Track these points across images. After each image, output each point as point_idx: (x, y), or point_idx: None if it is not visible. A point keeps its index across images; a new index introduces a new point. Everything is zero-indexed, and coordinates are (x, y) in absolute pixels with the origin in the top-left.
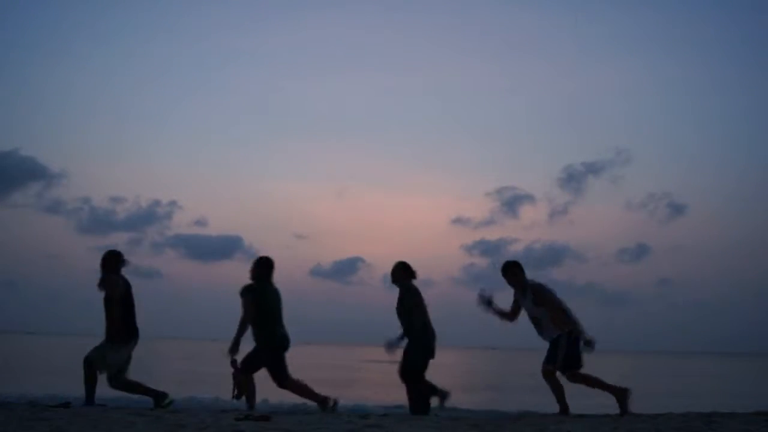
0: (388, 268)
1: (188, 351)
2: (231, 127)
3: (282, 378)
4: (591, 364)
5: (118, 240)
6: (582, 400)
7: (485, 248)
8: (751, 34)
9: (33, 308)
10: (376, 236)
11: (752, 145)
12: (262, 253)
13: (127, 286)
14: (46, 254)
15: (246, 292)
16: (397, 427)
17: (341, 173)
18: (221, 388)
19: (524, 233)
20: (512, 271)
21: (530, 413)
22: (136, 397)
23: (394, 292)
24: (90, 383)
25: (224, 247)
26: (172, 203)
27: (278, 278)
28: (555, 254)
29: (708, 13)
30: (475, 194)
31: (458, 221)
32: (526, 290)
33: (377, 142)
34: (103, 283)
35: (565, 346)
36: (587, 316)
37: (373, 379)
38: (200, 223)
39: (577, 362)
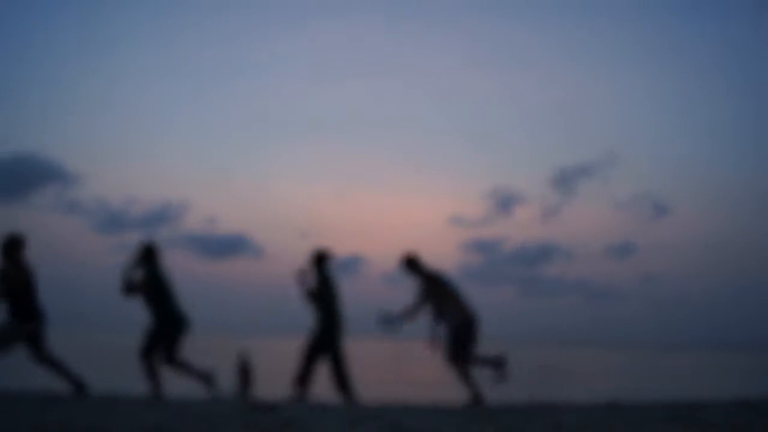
0: (388, 265)
1: (195, 346)
2: (238, 130)
3: (173, 357)
4: (585, 357)
5: (132, 239)
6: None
7: (481, 246)
8: (736, 41)
9: (48, 304)
10: (376, 234)
11: (736, 148)
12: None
13: (29, 270)
14: (64, 253)
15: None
16: (402, 419)
17: (343, 174)
18: (221, 382)
19: (518, 232)
20: (410, 264)
21: (541, 403)
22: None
23: (393, 289)
24: (57, 371)
25: (232, 245)
26: (184, 203)
27: (283, 275)
28: (547, 252)
29: (693, 22)
30: (471, 194)
31: (455, 220)
32: (422, 280)
33: (378, 145)
34: (6, 274)
35: (460, 334)
36: (577, 311)
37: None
38: (210, 222)
39: (464, 350)
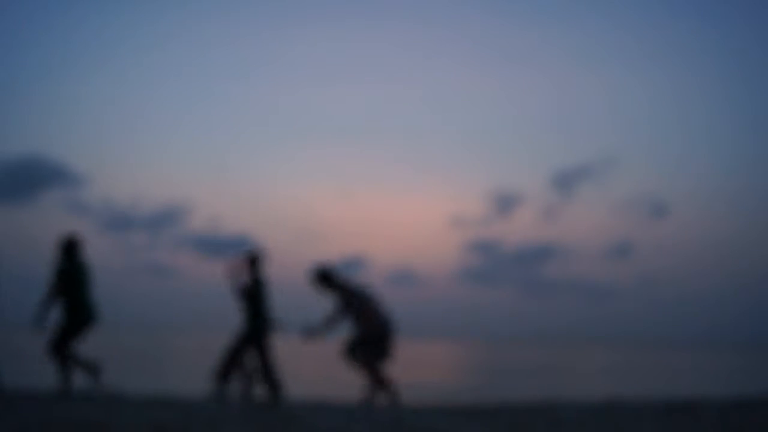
0: (390, 264)
1: (197, 344)
2: (243, 132)
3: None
4: (585, 356)
5: (137, 239)
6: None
7: (481, 246)
8: (736, 42)
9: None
10: (378, 235)
11: (734, 149)
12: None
13: None
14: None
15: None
16: (403, 416)
17: (346, 176)
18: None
19: (517, 232)
20: (320, 278)
21: (539, 402)
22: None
23: (397, 288)
24: None
25: (236, 245)
26: (188, 204)
27: (287, 276)
28: (546, 252)
29: (693, 22)
30: (471, 195)
31: (455, 221)
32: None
33: (380, 147)
34: None
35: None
36: (577, 311)
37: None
38: (214, 222)
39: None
